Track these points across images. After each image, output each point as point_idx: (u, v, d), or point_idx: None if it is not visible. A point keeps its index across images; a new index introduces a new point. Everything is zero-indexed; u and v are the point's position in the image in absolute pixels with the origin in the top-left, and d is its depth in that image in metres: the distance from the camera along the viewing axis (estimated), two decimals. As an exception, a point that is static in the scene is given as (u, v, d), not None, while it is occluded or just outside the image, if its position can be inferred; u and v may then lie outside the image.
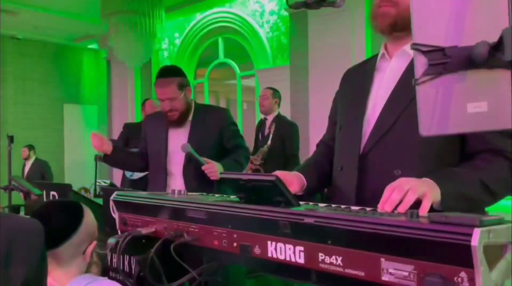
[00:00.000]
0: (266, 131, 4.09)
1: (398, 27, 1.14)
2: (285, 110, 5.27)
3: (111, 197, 1.21)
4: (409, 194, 0.87)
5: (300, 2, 1.04)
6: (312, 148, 4.87)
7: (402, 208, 0.87)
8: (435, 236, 0.62)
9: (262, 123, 4.25)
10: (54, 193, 3.60)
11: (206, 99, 7.45)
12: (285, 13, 5.67)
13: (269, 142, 3.92)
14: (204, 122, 2.32)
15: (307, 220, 0.77)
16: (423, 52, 0.82)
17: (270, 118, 4.13)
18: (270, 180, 0.86)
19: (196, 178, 2.23)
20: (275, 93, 4.17)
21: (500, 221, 0.70)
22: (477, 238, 0.59)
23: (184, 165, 2.26)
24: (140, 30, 5.39)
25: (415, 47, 0.82)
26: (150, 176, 2.43)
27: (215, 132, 2.32)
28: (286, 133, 4.02)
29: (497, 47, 0.72)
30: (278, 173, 1.18)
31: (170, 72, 2.28)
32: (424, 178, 0.96)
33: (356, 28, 4.74)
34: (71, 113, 8.43)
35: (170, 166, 2.28)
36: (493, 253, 0.64)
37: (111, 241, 1.09)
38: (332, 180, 1.28)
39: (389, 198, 0.88)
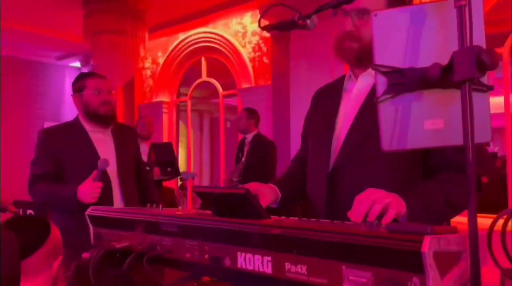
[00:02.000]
0: (245, 149, 4.19)
1: (362, 58, 1.21)
2: (267, 129, 5.34)
3: (86, 212, 1.22)
4: (375, 205, 0.92)
5: (271, 25, 1.10)
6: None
7: (369, 219, 0.91)
8: (389, 243, 0.66)
9: (242, 142, 4.34)
10: (31, 211, 3.56)
11: (189, 118, 7.47)
12: (267, 34, 5.79)
13: (243, 159, 3.99)
14: (123, 136, 2.29)
15: (274, 231, 0.80)
16: (383, 73, 0.87)
17: (249, 137, 4.24)
18: (240, 193, 0.90)
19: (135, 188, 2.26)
20: (251, 113, 4.32)
21: (453, 231, 0.75)
22: (427, 245, 0.63)
23: (119, 176, 2.18)
24: (123, 49, 5.43)
25: (376, 68, 0.88)
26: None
27: (133, 148, 2.36)
28: (263, 152, 4.14)
29: (449, 68, 0.78)
30: (252, 185, 1.21)
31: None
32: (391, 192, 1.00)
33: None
34: (52, 131, 8.35)
35: (106, 175, 2.14)
36: (445, 261, 0.68)
37: (85, 255, 1.10)
38: (304, 196, 1.32)
39: (357, 209, 0.92)
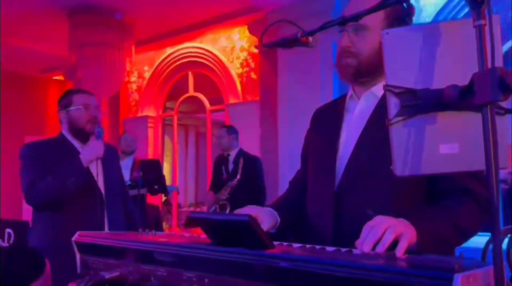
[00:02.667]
0: (231, 166, 4.12)
1: (360, 75, 1.18)
2: (255, 144, 5.29)
3: (73, 238, 1.14)
4: (387, 234, 0.86)
5: (273, 42, 1.05)
6: (281, 183, 4.91)
7: (380, 249, 0.85)
8: (415, 281, 0.60)
9: (224, 158, 4.26)
10: (10, 230, 3.41)
11: (175, 133, 7.38)
12: (255, 50, 5.78)
13: (238, 176, 3.90)
14: (106, 151, 2.21)
15: (283, 264, 0.74)
16: (396, 94, 0.83)
17: (233, 153, 4.18)
18: (243, 220, 0.83)
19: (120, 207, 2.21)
20: (230, 130, 4.27)
21: (477, 265, 0.69)
22: (458, 284, 0.57)
23: (106, 195, 2.12)
24: (109, 62, 5.35)
25: (388, 88, 0.83)
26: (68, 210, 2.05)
27: (117, 168, 2.34)
28: (252, 168, 4.08)
29: (468, 90, 0.73)
30: (251, 209, 1.15)
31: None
32: (400, 218, 0.95)
33: (324, 65, 4.88)
34: (33, 145, 8.14)
35: (100, 193, 2.11)
36: (472, 299, 0.63)
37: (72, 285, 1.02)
38: (305, 219, 1.26)
39: (367, 238, 0.87)
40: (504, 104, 0.79)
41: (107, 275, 1.01)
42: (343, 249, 0.91)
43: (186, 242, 0.95)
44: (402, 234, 0.88)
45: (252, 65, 5.96)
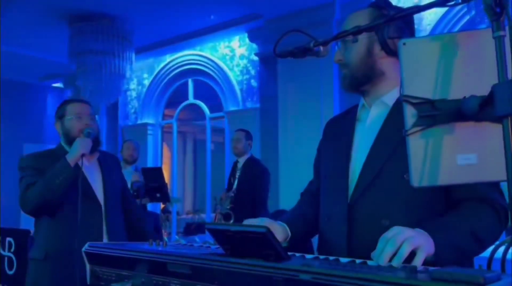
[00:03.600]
0: (238, 173, 4.04)
1: (357, 84, 1.21)
2: (255, 152, 5.28)
3: (83, 249, 1.13)
4: (404, 246, 0.86)
5: (286, 51, 1.05)
6: (282, 191, 4.85)
7: (396, 261, 0.84)
8: (442, 295, 0.60)
9: (235, 166, 4.19)
10: (10, 239, 3.38)
11: (175, 140, 7.37)
12: (255, 58, 5.80)
13: (234, 186, 3.83)
14: (107, 163, 2.25)
15: (303, 276, 0.73)
16: (413, 104, 0.83)
17: (242, 161, 4.08)
18: (261, 232, 0.83)
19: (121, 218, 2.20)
20: (248, 135, 4.13)
21: (499, 277, 0.69)
22: (486, 298, 0.57)
23: (106, 203, 2.12)
24: (109, 70, 5.35)
25: (405, 99, 0.83)
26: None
27: (119, 177, 2.32)
28: (256, 178, 3.90)
29: (488, 102, 0.73)
30: (263, 221, 1.14)
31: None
32: (416, 229, 0.95)
33: (324, 73, 4.89)
34: (31, 153, 8.11)
35: (96, 200, 2.11)
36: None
37: (82, 298, 1.00)
38: (318, 231, 1.25)
39: (384, 250, 0.86)
40: (523, 114, 0.79)
41: (119, 287, 1.00)
42: (358, 260, 0.90)
43: (201, 253, 0.94)
44: (420, 246, 0.87)
45: (252, 72, 5.97)
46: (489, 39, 0.74)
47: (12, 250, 3.26)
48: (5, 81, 7.79)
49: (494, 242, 1.06)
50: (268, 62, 5.52)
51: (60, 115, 2.17)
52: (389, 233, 0.90)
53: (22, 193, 2.02)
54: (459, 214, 1.05)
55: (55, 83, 8.30)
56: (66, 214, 2.02)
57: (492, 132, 0.78)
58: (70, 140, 2.11)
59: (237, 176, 3.97)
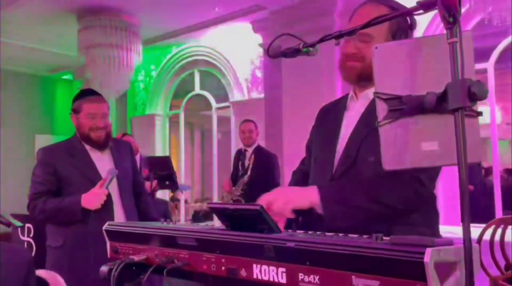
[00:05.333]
0: (247, 162, 4.23)
1: (363, 78, 1.33)
2: (261, 141, 5.42)
3: (104, 227, 1.29)
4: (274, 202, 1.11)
5: (278, 52, 1.19)
6: (287, 180, 4.97)
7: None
8: (395, 255, 0.74)
9: (241, 154, 4.37)
10: (29, 225, 3.58)
11: (182, 130, 7.53)
12: (260, 48, 5.91)
13: (248, 172, 4.03)
14: (119, 151, 2.37)
15: (289, 244, 0.88)
16: (384, 99, 0.97)
17: (250, 149, 4.29)
18: (255, 209, 0.98)
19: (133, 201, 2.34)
20: (256, 125, 4.38)
21: (450, 242, 0.83)
22: (429, 256, 0.72)
23: (119, 189, 2.26)
24: (117, 63, 5.50)
25: (377, 95, 0.97)
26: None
27: (130, 163, 2.43)
28: (267, 163, 4.19)
29: (443, 97, 0.87)
30: (264, 197, 1.28)
31: (99, 94, 2.37)
32: (310, 186, 1.20)
33: (328, 63, 4.99)
34: (43, 144, 8.31)
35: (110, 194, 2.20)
36: (444, 270, 0.77)
37: (104, 268, 1.16)
38: None
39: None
40: (476, 107, 0.92)
41: (136, 258, 1.16)
42: (341, 234, 1.05)
43: (204, 228, 1.10)
44: (287, 201, 1.14)
45: (257, 63, 6.09)
46: (446, 44, 0.87)
47: (31, 235, 3.45)
48: (16, 74, 7.99)
49: (400, 205, 1.20)
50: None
51: (75, 109, 2.28)
52: (270, 194, 1.19)
53: (30, 199, 2.22)
54: (360, 180, 1.22)
55: (64, 75, 8.48)
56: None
57: (449, 122, 0.91)
58: (81, 136, 2.27)
59: (248, 164, 4.16)
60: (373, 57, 0.98)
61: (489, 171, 5.00)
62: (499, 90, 5.04)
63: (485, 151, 5.39)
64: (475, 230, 2.92)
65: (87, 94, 2.34)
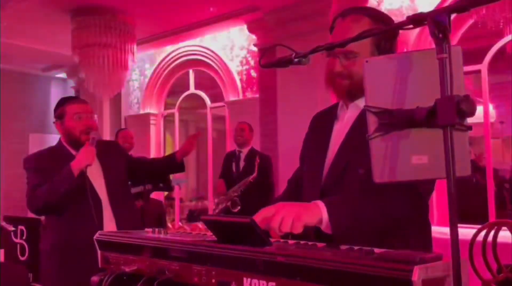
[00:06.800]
0: (242, 163, 4.23)
1: (353, 94, 1.33)
2: (255, 141, 5.42)
3: (95, 237, 1.29)
4: (284, 221, 1.06)
5: (271, 63, 1.19)
6: (281, 179, 5.06)
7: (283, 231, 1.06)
8: (382, 272, 0.75)
9: (234, 155, 4.37)
10: (22, 227, 3.56)
11: (177, 129, 7.52)
12: (255, 49, 5.91)
13: (255, 173, 4.03)
14: (108, 154, 2.31)
15: (279, 258, 0.88)
16: (374, 113, 0.97)
17: (245, 150, 4.29)
18: (246, 222, 0.98)
19: (124, 204, 2.29)
20: (250, 127, 4.37)
21: (438, 258, 0.84)
22: (416, 274, 0.72)
23: (109, 195, 2.20)
24: (111, 62, 5.47)
25: (368, 108, 0.97)
26: (68, 214, 2.17)
27: (121, 164, 2.37)
28: (266, 166, 4.21)
29: (432, 112, 0.88)
30: (265, 212, 1.26)
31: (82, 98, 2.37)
32: (314, 201, 1.13)
33: (321, 65, 4.99)
34: (37, 143, 8.28)
35: (96, 195, 2.18)
36: (432, 285, 0.77)
37: (95, 278, 1.16)
38: None
39: (271, 225, 1.06)
40: (465, 121, 0.93)
41: (127, 269, 1.16)
42: (331, 245, 1.05)
43: (196, 240, 1.10)
44: (297, 217, 1.06)
45: (252, 63, 6.08)
46: (435, 59, 0.87)
47: (24, 237, 3.44)
48: (9, 72, 7.94)
49: (396, 215, 1.20)
50: (267, 53, 5.62)
51: (59, 115, 2.23)
52: (271, 208, 1.10)
53: (28, 194, 2.16)
54: (365, 193, 1.19)
55: (58, 73, 8.43)
56: (69, 211, 2.15)
57: (438, 136, 0.92)
58: (72, 141, 2.21)
59: (242, 165, 4.16)
60: (363, 71, 0.98)
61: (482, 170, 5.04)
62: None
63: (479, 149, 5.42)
64: (468, 231, 2.94)
65: (67, 98, 2.32)
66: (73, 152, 2.22)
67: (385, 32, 1.17)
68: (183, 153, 2.44)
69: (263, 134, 5.61)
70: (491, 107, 5.62)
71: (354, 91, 1.31)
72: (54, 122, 2.27)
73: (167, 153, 7.97)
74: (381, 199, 1.16)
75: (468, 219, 3.72)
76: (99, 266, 1.28)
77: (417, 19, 0.89)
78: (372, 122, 0.98)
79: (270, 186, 4.24)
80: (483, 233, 2.72)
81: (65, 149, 2.24)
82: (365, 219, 1.16)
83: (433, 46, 0.86)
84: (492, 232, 2.62)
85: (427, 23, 0.86)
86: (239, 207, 3.88)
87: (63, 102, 2.27)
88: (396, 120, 0.96)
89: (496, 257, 2.54)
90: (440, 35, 0.85)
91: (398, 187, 1.07)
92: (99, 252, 1.29)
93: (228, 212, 3.72)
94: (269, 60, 1.24)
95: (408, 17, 0.90)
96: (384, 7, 4.95)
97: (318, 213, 1.11)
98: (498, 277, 2.42)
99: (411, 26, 0.91)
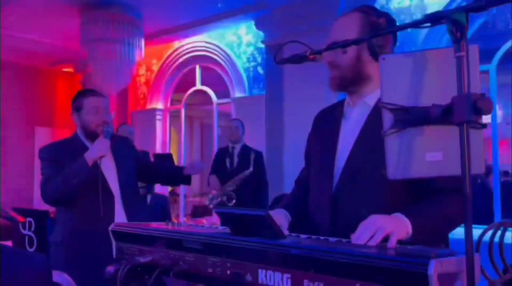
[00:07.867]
0: (236, 159, 4.29)
1: (345, 84, 1.34)
2: (261, 138, 5.44)
3: (110, 228, 1.31)
4: (378, 233, 1.02)
5: (285, 59, 1.20)
6: (287, 176, 5.06)
7: (372, 244, 1.01)
8: (400, 265, 0.76)
9: (226, 152, 4.43)
10: (31, 219, 3.60)
11: (183, 124, 7.53)
12: (262, 45, 5.91)
13: (251, 168, 4.06)
14: (121, 150, 2.34)
15: (294, 251, 0.90)
16: (390, 110, 0.98)
17: (238, 147, 4.36)
18: (261, 215, 1.00)
19: (135, 200, 2.32)
20: (242, 123, 4.52)
21: (451, 253, 0.85)
22: (432, 268, 0.73)
23: (122, 191, 2.22)
24: (119, 57, 5.50)
25: (384, 105, 0.98)
26: (78, 208, 2.19)
27: (132, 159, 2.40)
28: (260, 161, 4.31)
29: (449, 110, 0.89)
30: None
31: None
32: (395, 214, 1.11)
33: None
34: (43, 137, 8.33)
35: (109, 189, 2.20)
36: (446, 281, 0.79)
37: (110, 268, 1.18)
38: (308, 217, 1.41)
39: (361, 235, 1.02)
40: (481, 119, 0.94)
41: (142, 260, 1.18)
42: (344, 240, 1.07)
43: (211, 232, 1.12)
44: (392, 232, 1.03)
45: (259, 59, 6.09)
46: (452, 57, 0.88)
47: (32, 229, 3.48)
48: (16, 66, 7.98)
49: (462, 223, 1.21)
50: (274, 50, 5.63)
51: (77, 107, 2.27)
52: (367, 221, 1.05)
53: (42, 185, 2.18)
54: (434, 201, 1.20)
55: (65, 68, 8.47)
56: (81, 204, 2.17)
57: (453, 134, 0.93)
58: (88, 134, 2.24)
59: (236, 161, 4.24)
60: (380, 68, 1.00)
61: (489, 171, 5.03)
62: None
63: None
64: (475, 231, 2.94)
65: (86, 91, 2.35)
66: (89, 144, 2.25)
67: (398, 30, 1.17)
68: (191, 171, 2.45)
69: (269, 131, 5.62)
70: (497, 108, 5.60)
71: (345, 82, 1.32)
72: (71, 114, 2.30)
73: (172, 149, 8.01)
74: (450, 207, 1.18)
75: (475, 220, 3.72)
76: (114, 256, 1.30)
77: (435, 18, 0.90)
78: (387, 119, 0.99)
79: (265, 182, 4.34)
80: (489, 233, 2.72)
81: (81, 141, 2.26)
82: (440, 232, 1.21)
83: (441, 46, 0.88)
84: (499, 233, 2.62)
85: (445, 21, 0.87)
86: (234, 201, 3.94)
87: (82, 95, 2.30)
88: (412, 117, 0.97)
89: (503, 258, 2.54)
90: (458, 34, 0.86)
91: (457, 191, 1.07)
92: (114, 243, 1.31)
93: (223, 206, 3.77)
94: (279, 57, 1.24)
95: (426, 15, 0.91)
96: (392, 6, 4.94)
97: (406, 228, 1.09)
98: (504, 277, 2.43)
99: (428, 24, 0.92)
